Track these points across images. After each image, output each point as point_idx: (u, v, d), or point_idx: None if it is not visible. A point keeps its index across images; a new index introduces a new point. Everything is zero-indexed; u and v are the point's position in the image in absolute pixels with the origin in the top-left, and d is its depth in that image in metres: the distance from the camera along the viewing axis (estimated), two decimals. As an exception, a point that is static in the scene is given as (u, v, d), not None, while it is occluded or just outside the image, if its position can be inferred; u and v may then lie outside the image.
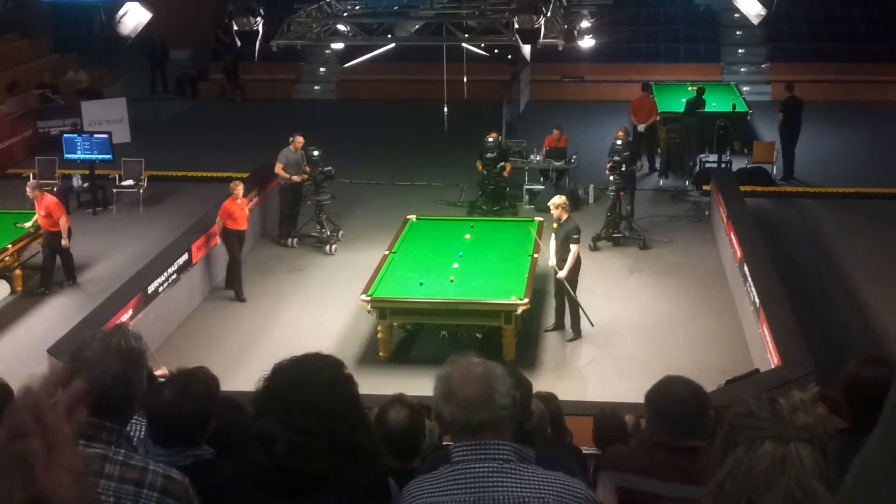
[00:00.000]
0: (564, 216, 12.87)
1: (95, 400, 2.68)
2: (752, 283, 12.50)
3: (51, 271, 14.52)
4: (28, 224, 14.72)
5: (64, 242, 14.29)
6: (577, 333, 13.00)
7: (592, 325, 12.93)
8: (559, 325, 13.23)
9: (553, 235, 13.10)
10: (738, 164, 18.88)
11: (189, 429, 3.47)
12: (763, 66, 26.16)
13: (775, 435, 1.88)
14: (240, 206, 14.30)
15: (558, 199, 13.09)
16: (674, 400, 3.75)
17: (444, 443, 6.35)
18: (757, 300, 12.05)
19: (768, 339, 11.15)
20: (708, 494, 1.96)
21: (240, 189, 14.39)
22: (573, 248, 12.70)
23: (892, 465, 0.84)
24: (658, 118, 19.90)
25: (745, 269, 13.00)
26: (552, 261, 12.88)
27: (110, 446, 2.67)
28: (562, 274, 12.71)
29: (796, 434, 1.87)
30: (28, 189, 14.69)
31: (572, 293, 12.90)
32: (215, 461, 3.45)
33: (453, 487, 2.73)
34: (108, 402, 2.70)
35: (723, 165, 18.55)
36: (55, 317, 13.49)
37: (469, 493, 2.70)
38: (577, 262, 12.85)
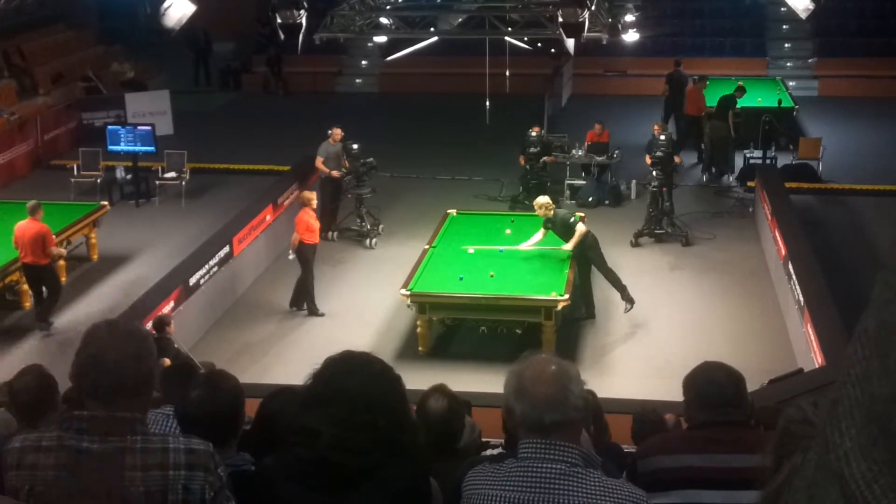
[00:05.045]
0: (551, 212, 13.01)
1: (112, 386, 2.67)
2: (796, 281, 12.33)
3: None
4: None
5: None
6: (630, 301, 13.08)
7: (594, 317, 13.20)
8: (591, 314, 13.23)
9: (552, 232, 13.12)
10: (783, 160, 18.66)
11: (221, 425, 3.43)
12: (810, 60, 25.81)
13: None
14: (314, 217, 13.61)
15: (541, 200, 13.22)
16: (712, 384, 3.82)
17: (484, 439, 6.31)
18: (801, 298, 11.88)
19: (812, 338, 10.99)
20: (764, 502, 1.90)
21: (315, 199, 13.78)
22: (578, 230, 12.81)
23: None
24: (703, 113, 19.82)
25: (790, 266, 12.83)
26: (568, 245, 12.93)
27: (125, 437, 2.65)
28: (567, 246, 12.83)
29: None
30: None
31: (608, 267, 13.11)
32: (254, 472, 3.42)
33: (518, 483, 2.72)
34: (128, 386, 2.69)
35: (768, 161, 18.33)
36: (98, 308, 13.61)
37: (533, 493, 2.68)
38: (595, 239, 13.03)
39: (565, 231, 12.94)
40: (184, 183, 18.15)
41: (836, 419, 0.82)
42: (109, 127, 18.68)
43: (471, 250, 13.47)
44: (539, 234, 13.17)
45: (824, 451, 0.81)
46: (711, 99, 20.26)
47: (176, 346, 10.34)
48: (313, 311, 13.62)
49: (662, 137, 15.84)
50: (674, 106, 20.80)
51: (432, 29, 15.79)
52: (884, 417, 0.75)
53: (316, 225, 13.61)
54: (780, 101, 20.12)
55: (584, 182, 17.76)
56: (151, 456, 2.65)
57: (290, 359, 12.19)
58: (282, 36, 15.21)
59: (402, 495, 2.68)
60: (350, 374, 2.66)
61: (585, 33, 13.95)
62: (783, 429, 1.90)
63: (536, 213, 13.14)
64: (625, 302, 13.13)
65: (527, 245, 13.25)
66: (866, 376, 0.78)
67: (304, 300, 13.69)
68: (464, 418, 4.77)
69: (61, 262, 14.52)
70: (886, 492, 0.73)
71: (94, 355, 2.69)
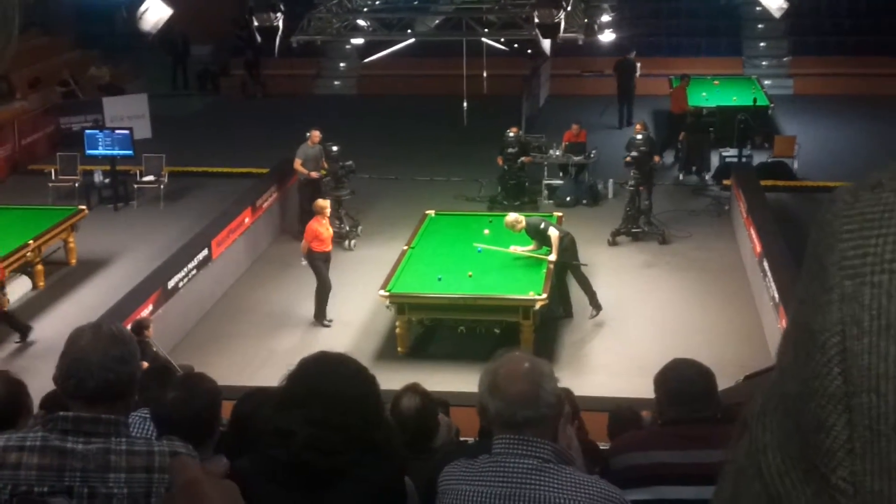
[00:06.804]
0: (523, 224, 13.02)
1: (96, 388, 2.69)
2: (771, 278, 12.44)
3: None
4: None
5: None
6: (597, 307, 13.15)
7: (572, 316, 13.28)
8: (568, 313, 13.30)
9: (532, 240, 13.15)
10: (758, 158, 18.79)
11: (198, 426, 3.44)
12: (785, 59, 25.99)
13: None
14: (326, 227, 13.51)
15: (509, 219, 13.18)
16: (682, 381, 3.85)
17: (462, 438, 6.37)
18: (776, 295, 11.99)
19: (788, 334, 11.08)
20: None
21: (328, 208, 13.76)
22: (552, 235, 12.80)
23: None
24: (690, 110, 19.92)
25: (765, 263, 12.95)
26: (553, 256, 12.92)
27: (110, 438, 2.66)
28: (552, 257, 12.82)
29: None
30: None
31: (581, 272, 13.19)
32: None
33: (490, 478, 2.76)
34: (112, 389, 2.70)
35: (743, 160, 18.46)
36: (76, 312, 13.56)
37: (504, 487, 2.72)
38: (572, 241, 13.09)
39: (541, 238, 12.99)
40: (162, 186, 18.12)
41: (762, 413, 0.87)
42: (87, 131, 18.64)
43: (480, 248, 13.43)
44: (533, 245, 13.17)
45: (750, 442, 0.87)
46: (692, 98, 20.40)
47: (154, 349, 10.35)
48: (319, 319, 13.40)
49: (640, 137, 15.90)
50: (624, 93, 21.92)
51: (409, 31, 15.84)
52: (795, 414, 0.80)
53: (326, 234, 13.42)
54: (755, 100, 20.24)
55: (561, 182, 17.83)
56: (137, 458, 2.65)
57: (269, 360, 12.20)
58: (258, 39, 15.21)
59: (377, 494, 2.70)
60: (324, 375, 2.69)
61: (561, 34, 14.05)
62: (743, 422, 1.97)
63: (515, 230, 13.05)
64: (591, 308, 13.21)
65: (519, 249, 13.24)
66: (783, 372, 0.84)
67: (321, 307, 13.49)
68: (437, 416, 4.81)
69: (38, 267, 14.53)
70: (796, 485, 0.78)
71: (78, 358, 2.69)
